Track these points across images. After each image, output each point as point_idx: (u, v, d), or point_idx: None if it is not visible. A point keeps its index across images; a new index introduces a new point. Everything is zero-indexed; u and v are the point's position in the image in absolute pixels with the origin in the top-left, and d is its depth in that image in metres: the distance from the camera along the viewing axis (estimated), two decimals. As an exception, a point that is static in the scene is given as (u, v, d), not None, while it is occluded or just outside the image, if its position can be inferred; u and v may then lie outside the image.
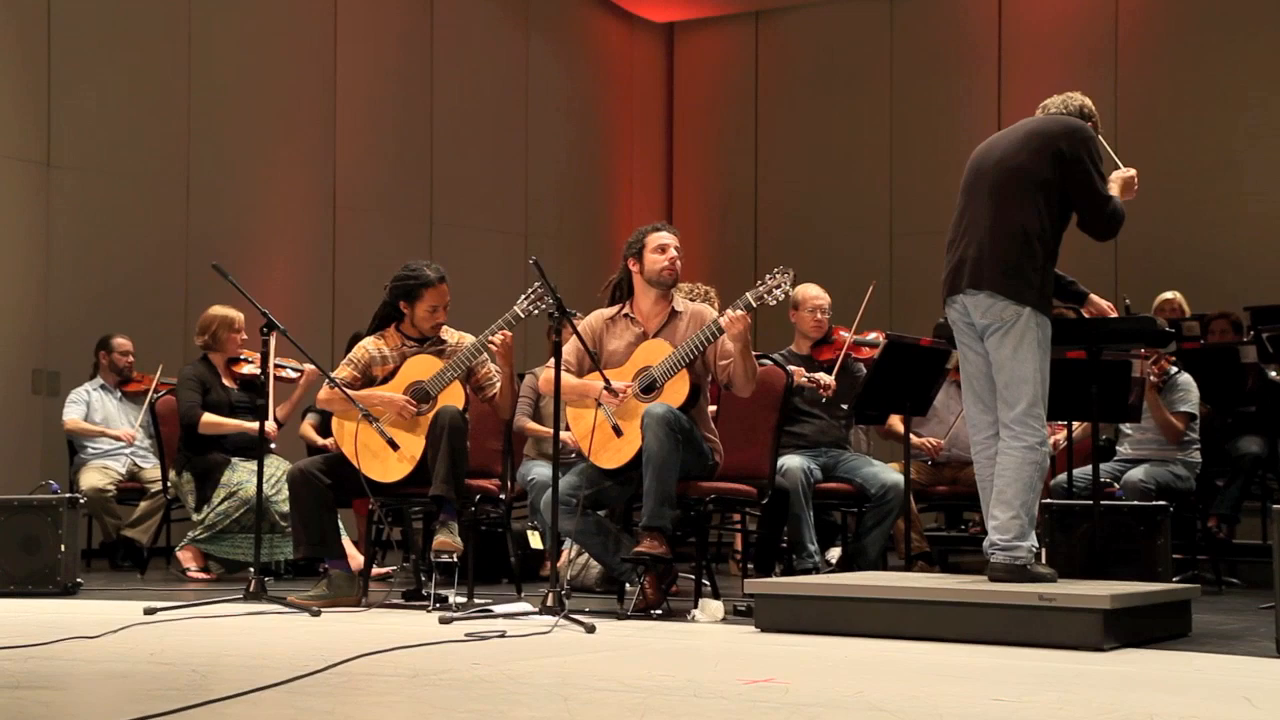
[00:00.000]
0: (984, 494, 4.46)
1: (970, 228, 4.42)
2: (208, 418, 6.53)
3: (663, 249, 5.01)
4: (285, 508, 5.85)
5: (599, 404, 4.87)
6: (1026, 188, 4.35)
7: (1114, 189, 4.48)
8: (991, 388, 4.40)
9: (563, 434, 5.13)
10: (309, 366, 6.59)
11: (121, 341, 7.44)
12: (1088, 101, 4.58)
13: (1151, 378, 6.20)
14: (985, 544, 4.40)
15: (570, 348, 5.00)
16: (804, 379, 5.82)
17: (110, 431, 7.25)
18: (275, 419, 6.61)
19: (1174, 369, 6.33)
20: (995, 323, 4.32)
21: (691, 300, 5.34)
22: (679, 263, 5.02)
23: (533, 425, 6.34)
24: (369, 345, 5.35)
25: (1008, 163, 4.38)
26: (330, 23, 9.22)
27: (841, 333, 6.16)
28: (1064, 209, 4.41)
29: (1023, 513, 4.26)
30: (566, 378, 4.95)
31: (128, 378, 7.45)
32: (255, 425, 5.79)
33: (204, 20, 8.52)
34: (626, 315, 5.08)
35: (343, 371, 5.32)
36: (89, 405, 7.34)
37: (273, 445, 6.41)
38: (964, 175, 4.55)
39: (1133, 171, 4.56)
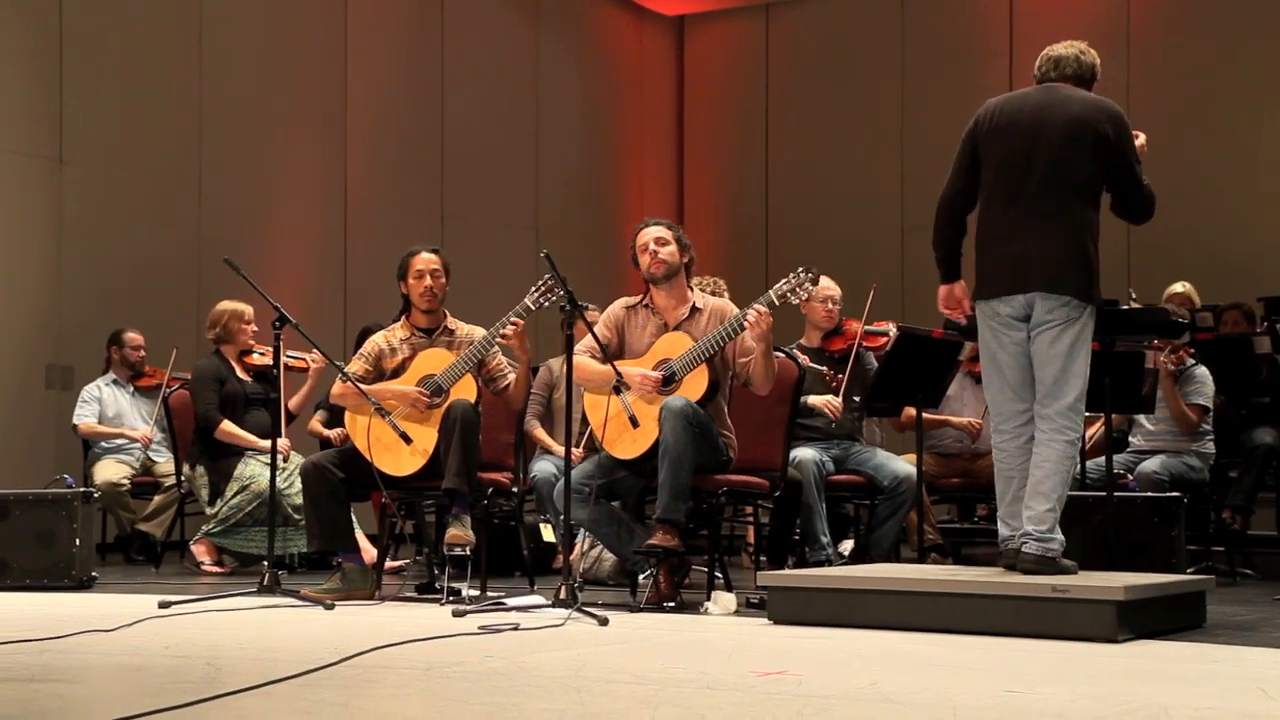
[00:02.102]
0: (1005, 485, 4.39)
1: (1024, 223, 4.30)
2: (225, 426, 6.54)
3: (645, 248, 5.02)
4: (298, 501, 5.87)
5: (618, 393, 4.87)
6: (1082, 181, 4.30)
7: None
8: (1026, 379, 4.35)
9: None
10: (316, 354, 6.59)
11: (133, 336, 7.45)
12: (1098, 60, 4.50)
13: (1170, 366, 6.17)
14: (1004, 534, 4.33)
15: (592, 336, 5.01)
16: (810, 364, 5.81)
17: (127, 433, 7.26)
18: (288, 410, 6.63)
19: (1190, 360, 6.30)
20: (1059, 319, 4.27)
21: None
22: (664, 252, 4.98)
23: (541, 434, 6.34)
24: (378, 338, 5.38)
25: (1054, 153, 4.28)
26: (341, 18, 9.23)
27: (852, 324, 6.14)
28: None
29: (1058, 506, 4.25)
30: (590, 364, 4.95)
31: (140, 372, 7.47)
32: (268, 443, 5.81)
33: (215, 16, 8.53)
34: (646, 306, 5.08)
35: (354, 366, 5.34)
36: (101, 403, 7.35)
37: (284, 461, 6.35)
38: (990, 145, 4.36)
39: (1143, 138, 4.48)
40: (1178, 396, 6.23)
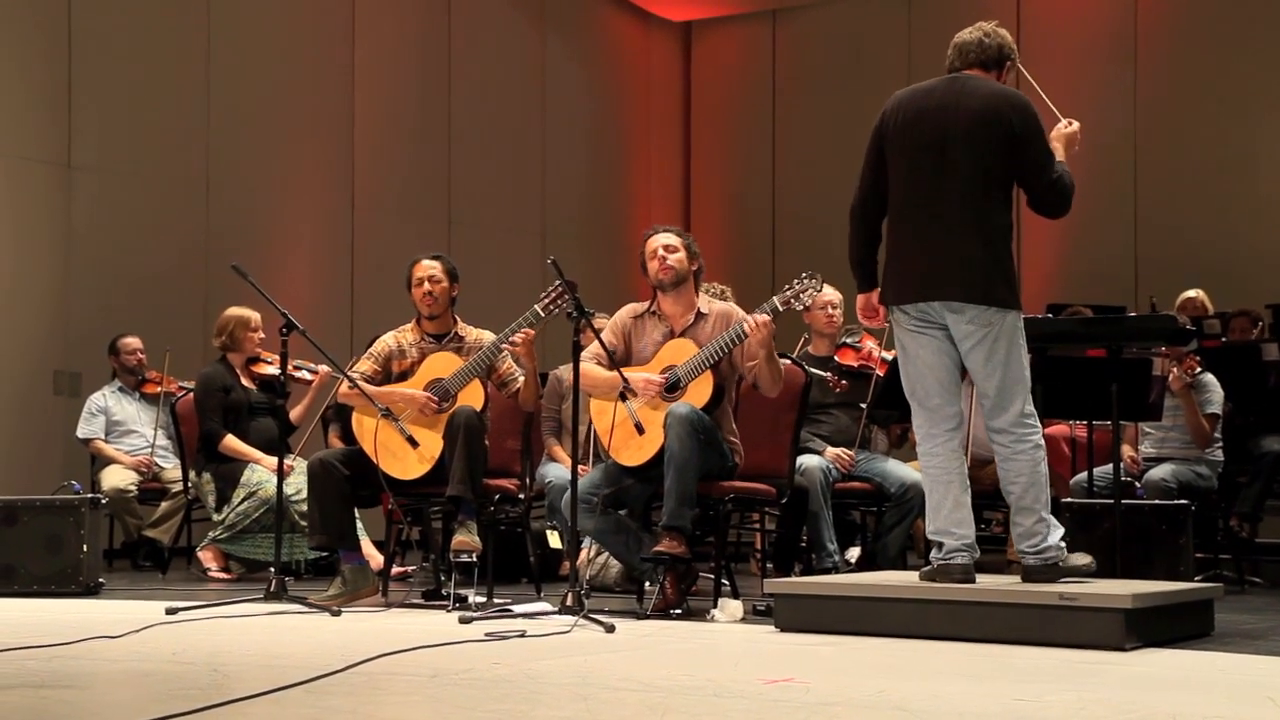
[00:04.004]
0: (944, 491, 4.20)
1: (932, 226, 4.15)
2: (229, 442, 6.55)
3: (654, 254, 5.02)
4: (305, 508, 5.87)
5: (623, 399, 4.87)
6: (990, 180, 4.13)
7: (1056, 148, 4.22)
8: (953, 379, 4.24)
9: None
10: (323, 368, 6.59)
11: (128, 341, 7.45)
12: (1006, 38, 4.32)
13: (1187, 377, 6.12)
14: (951, 546, 4.16)
15: (597, 343, 5.02)
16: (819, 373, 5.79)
17: (126, 461, 7.24)
18: (289, 422, 6.64)
19: (1198, 369, 6.27)
20: (980, 331, 4.13)
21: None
22: (672, 259, 4.97)
23: (561, 453, 6.34)
24: (388, 338, 5.42)
25: (964, 153, 4.12)
26: (348, 24, 9.24)
27: (868, 342, 6.08)
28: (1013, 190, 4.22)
29: (1043, 512, 4.18)
30: (596, 370, 4.95)
31: (143, 377, 7.47)
32: (273, 460, 5.86)
33: (223, 22, 8.55)
34: (654, 313, 5.09)
35: (363, 364, 5.37)
36: (106, 412, 7.34)
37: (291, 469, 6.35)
38: (897, 143, 4.20)
39: (1076, 125, 4.30)
40: (1196, 410, 6.18)
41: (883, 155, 4.29)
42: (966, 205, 4.14)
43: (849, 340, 6.11)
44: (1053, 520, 4.22)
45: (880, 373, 5.93)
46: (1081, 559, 4.22)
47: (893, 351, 6.02)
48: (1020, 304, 4.22)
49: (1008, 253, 4.19)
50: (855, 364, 6.01)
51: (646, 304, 5.13)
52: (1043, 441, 4.24)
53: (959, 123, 4.16)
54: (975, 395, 4.71)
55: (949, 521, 4.22)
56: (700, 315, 5.03)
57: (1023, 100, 4.21)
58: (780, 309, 4.83)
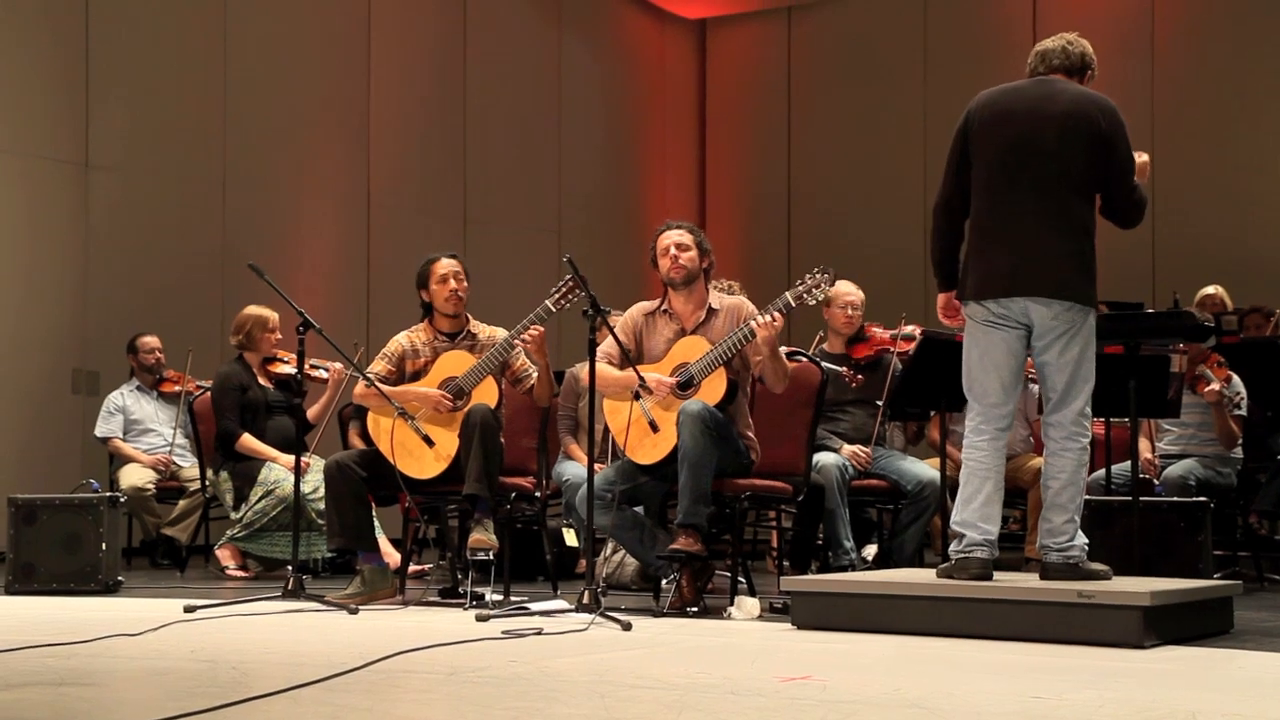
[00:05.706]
0: (979, 484, 4.21)
1: (1021, 223, 4.19)
2: (246, 441, 6.56)
3: (665, 252, 5.01)
4: (322, 506, 5.88)
5: (637, 398, 4.87)
6: (1077, 180, 4.19)
7: None
8: (1015, 381, 4.27)
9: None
10: (336, 364, 6.60)
11: (146, 340, 7.48)
12: (1088, 47, 4.37)
13: (1227, 392, 6.07)
14: (974, 539, 4.17)
15: (611, 341, 5.02)
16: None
17: (145, 459, 7.27)
18: (307, 421, 6.65)
19: (1230, 376, 6.21)
20: (1063, 326, 4.18)
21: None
22: (684, 258, 4.96)
23: (578, 451, 6.36)
24: (401, 338, 5.41)
25: (1051, 152, 4.17)
26: (364, 22, 9.27)
27: (874, 329, 6.10)
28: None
29: (1076, 515, 4.20)
30: (609, 370, 4.95)
31: (161, 376, 7.50)
32: (290, 459, 5.87)
33: (239, 21, 8.58)
34: (665, 311, 5.08)
35: (378, 366, 5.37)
36: (125, 411, 7.37)
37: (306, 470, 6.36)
38: (982, 141, 4.24)
39: (1145, 157, 4.36)
40: (1228, 418, 6.14)
41: (966, 154, 4.32)
42: (1053, 203, 4.19)
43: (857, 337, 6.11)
44: (1079, 525, 4.22)
45: (894, 350, 5.92)
46: (1099, 567, 4.23)
47: (903, 326, 6.05)
48: (1095, 304, 4.26)
49: (1093, 251, 4.23)
50: (872, 352, 6.01)
51: (657, 302, 5.13)
52: (1089, 447, 4.27)
53: (1047, 122, 4.21)
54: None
55: (976, 515, 4.23)
56: (711, 311, 5.03)
57: (1110, 104, 4.26)
58: (793, 304, 4.83)
